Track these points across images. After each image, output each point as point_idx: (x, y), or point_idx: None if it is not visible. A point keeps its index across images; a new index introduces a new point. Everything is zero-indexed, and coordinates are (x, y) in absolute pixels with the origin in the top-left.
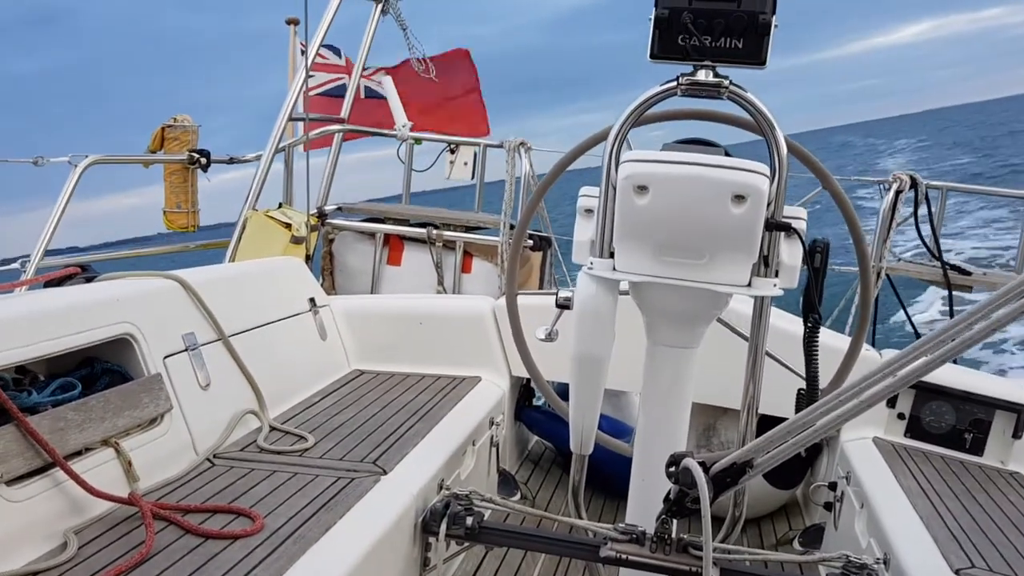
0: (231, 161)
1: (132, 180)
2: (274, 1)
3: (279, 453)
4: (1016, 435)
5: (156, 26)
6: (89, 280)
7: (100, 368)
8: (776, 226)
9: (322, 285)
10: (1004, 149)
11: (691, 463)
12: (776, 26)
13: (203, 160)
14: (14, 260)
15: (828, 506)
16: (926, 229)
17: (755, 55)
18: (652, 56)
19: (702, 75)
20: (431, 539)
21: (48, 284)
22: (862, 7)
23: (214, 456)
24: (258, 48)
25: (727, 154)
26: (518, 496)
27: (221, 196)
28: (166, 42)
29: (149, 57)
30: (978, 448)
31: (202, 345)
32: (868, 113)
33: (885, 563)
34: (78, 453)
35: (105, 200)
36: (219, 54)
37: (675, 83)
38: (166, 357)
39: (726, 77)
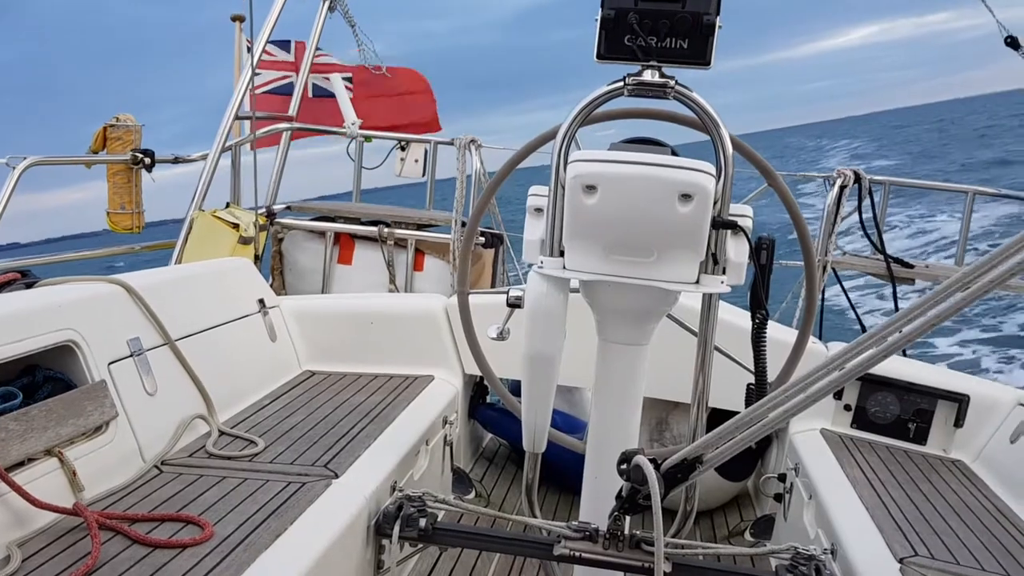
0: (176, 161)
1: (76, 175)
2: None
3: (228, 458)
4: (958, 424)
5: (106, 19)
6: (29, 286)
7: (42, 376)
8: (723, 224)
9: (272, 285)
10: (952, 148)
11: (642, 460)
12: (720, 27)
13: (147, 160)
14: None
15: (778, 497)
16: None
17: (700, 55)
18: (599, 56)
19: (648, 75)
20: (384, 541)
21: None
22: (812, 9)
23: (162, 463)
24: (209, 41)
25: (674, 153)
26: (473, 494)
27: (173, 192)
28: (116, 34)
29: (100, 50)
30: (921, 437)
31: (148, 350)
32: (818, 115)
33: (832, 553)
34: (20, 464)
35: (49, 195)
36: (171, 47)
37: (622, 83)
38: (111, 363)
39: (672, 77)
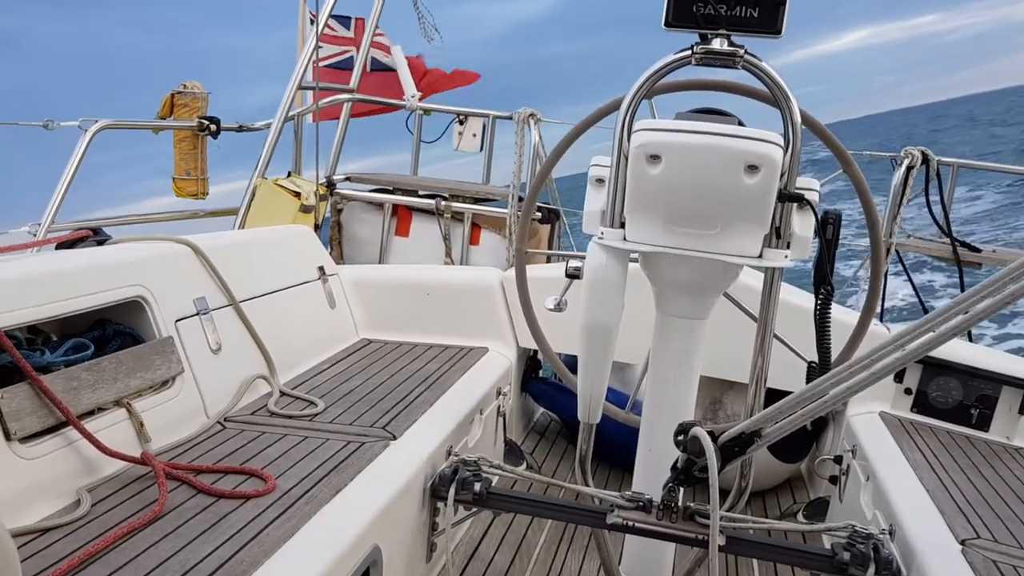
0: (240, 129)
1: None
2: (220, 22)
3: (289, 417)
4: (1022, 411)
5: (104, 47)
6: (100, 243)
7: (112, 330)
8: (789, 197)
9: (330, 255)
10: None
11: (700, 432)
12: None
13: (213, 127)
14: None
15: (833, 479)
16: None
17: (771, 24)
18: (667, 24)
19: (717, 44)
20: (440, 504)
21: (59, 246)
22: (804, 15)
23: (225, 419)
24: (205, 67)
25: (740, 124)
26: (524, 466)
27: None
28: (114, 61)
29: (98, 78)
30: (984, 423)
31: (213, 310)
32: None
33: (891, 533)
34: (90, 413)
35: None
36: (168, 73)
37: (689, 52)
38: (178, 320)
39: (741, 46)
